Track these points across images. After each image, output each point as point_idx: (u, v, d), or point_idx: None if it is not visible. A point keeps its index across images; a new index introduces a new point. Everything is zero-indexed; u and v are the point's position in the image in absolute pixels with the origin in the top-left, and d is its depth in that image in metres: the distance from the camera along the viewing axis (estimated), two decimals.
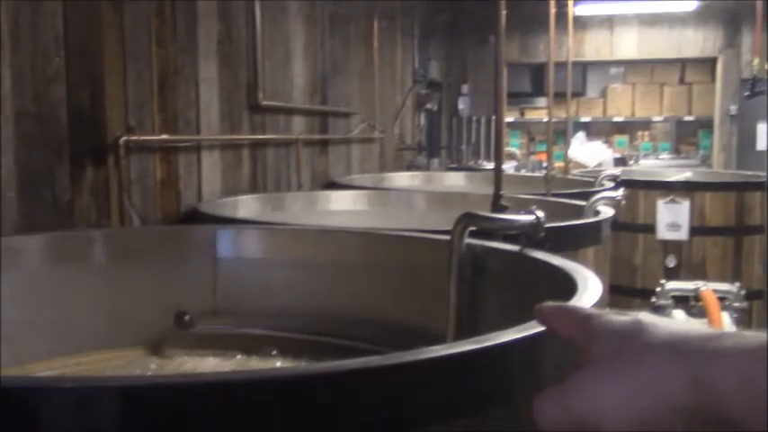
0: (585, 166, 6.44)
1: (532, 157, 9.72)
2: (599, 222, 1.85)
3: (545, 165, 3.04)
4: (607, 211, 1.95)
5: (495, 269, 1.37)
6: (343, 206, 2.79)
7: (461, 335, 1.41)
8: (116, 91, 1.98)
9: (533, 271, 1.28)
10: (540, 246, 1.35)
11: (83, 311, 1.55)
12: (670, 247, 3.83)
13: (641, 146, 9.29)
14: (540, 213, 1.29)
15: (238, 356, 1.57)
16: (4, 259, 1.50)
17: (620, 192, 1.99)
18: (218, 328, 1.62)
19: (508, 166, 5.41)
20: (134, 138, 2.00)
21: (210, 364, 1.54)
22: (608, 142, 9.39)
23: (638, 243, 3.97)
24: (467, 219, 1.32)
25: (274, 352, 1.57)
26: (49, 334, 1.51)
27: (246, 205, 2.50)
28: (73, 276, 1.56)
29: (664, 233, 3.64)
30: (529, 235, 1.30)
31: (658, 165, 7.74)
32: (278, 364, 1.52)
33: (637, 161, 7.57)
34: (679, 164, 7.46)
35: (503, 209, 1.54)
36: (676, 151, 9.07)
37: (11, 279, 1.49)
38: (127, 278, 1.62)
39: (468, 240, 1.35)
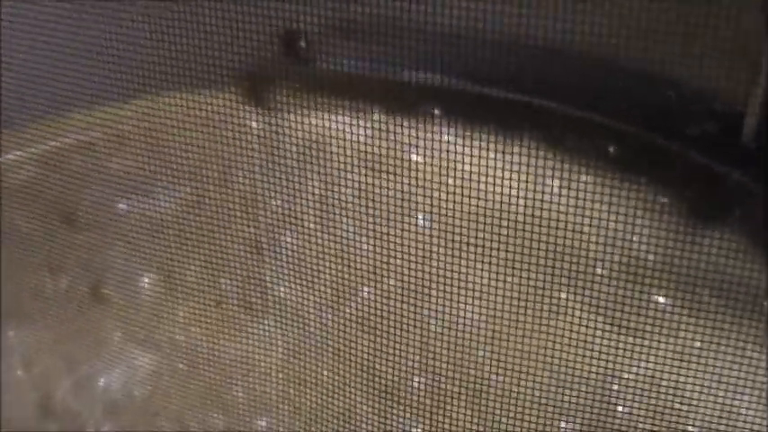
0: None
1: None
2: None
3: None
4: None
5: None
6: None
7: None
8: None
9: None
10: None
11: (142, 40, 1.00)
12: None
13: None
14: None
15: (377, 115, 1.00)
16: None
17: None
18: (349, 65, 1.05)
19: None
20: None
21: (338, 128, 0.99)
22: None
23: None
24: None
25: (436, 111, 1.00)
26: (95, 76, 0.99)
27: None
28: None
29: None
30: None
31: None
32: (444, 136, 0.95)
33: None
34: None
35: None
36: None
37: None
38: None
39: None
